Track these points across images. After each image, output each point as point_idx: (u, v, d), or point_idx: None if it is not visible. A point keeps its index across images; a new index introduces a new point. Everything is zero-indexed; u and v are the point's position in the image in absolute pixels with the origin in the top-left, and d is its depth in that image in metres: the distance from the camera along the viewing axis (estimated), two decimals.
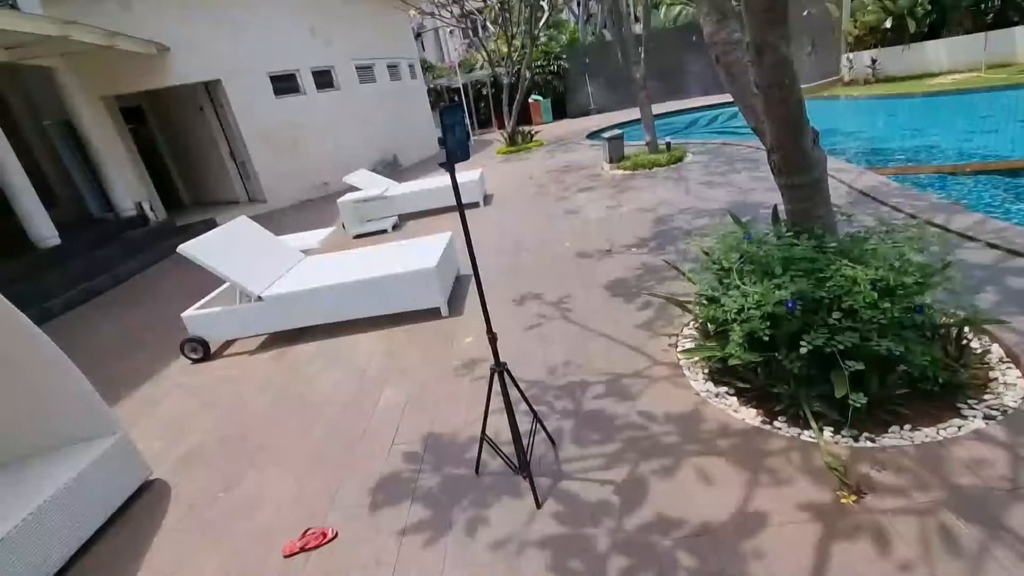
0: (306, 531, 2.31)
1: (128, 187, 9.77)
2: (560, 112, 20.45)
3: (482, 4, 15.17)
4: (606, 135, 9.58)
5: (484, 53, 16.46)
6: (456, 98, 20.82)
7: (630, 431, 2.57)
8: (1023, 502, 1.83)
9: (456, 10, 14.68)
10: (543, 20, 15.30)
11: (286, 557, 2.21)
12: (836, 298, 2.26)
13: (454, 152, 1.75)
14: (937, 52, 14.65)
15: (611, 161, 9.25)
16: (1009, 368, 2.48)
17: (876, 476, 2.04)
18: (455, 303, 4.57)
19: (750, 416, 2.50)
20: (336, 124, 12.82)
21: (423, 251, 4.67)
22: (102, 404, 2.78)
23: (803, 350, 2.21)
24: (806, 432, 2.32)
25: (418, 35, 23.24)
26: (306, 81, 12.19)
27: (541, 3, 14.13)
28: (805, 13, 16.09)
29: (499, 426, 2.65)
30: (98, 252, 7.84)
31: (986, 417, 2.22)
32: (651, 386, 2.89)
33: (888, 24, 14.96)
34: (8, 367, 2.59)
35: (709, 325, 2.74)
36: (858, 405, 2.08)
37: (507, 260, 5.48)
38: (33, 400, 2.68)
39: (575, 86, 20.17)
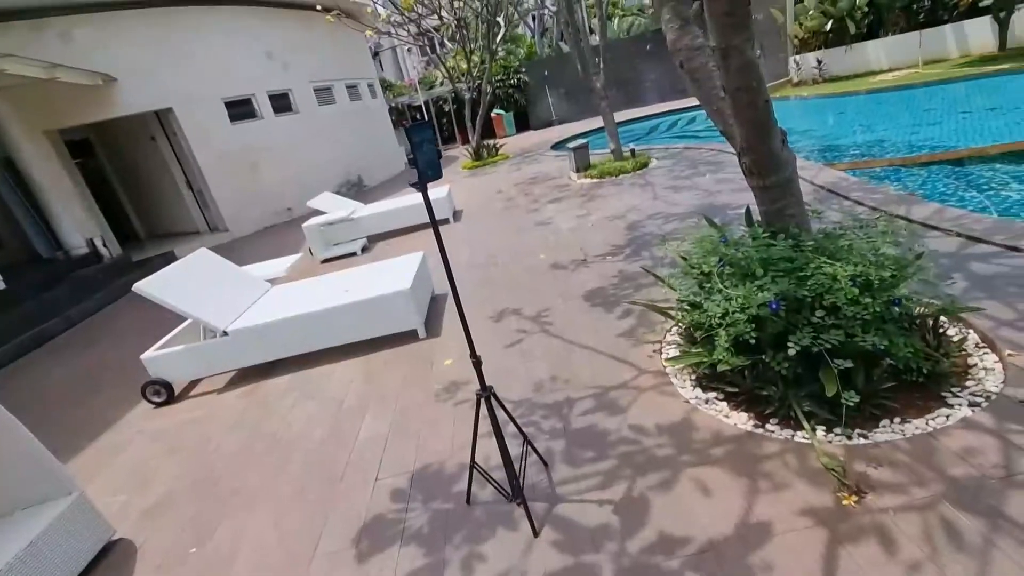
0: None
1: (77, 223, 9.30)
2: (523, 124, 20.61)
3: (439, 22, 15.21)
4: (571, 145, 9.65)
5: (443, 70, 16.48)
6: (418, 116, 20.77)
7: (623, 446, 2.50)
8: (1018, 489, 1.83)
9: (413, 28, 14.68)
10: (500, 36, 15.44)
11: None
12: (818, 296, 2.25)
13: (425, 172, 1.67)
14: (877, 51, 15.38)
15: (578, 170, 9.31)
16: (986, 353, 2.52)
17: (874, 474, 2.02)
18: (432, 324, 4.45)
19: (742, 421, 2.47)
20: (296, 148, 12.58)
21: (396, 272, 4.54)
22: (54, 463, 2.55)
23: (791, 351, 2.19)
24: (799, 433, 2.29)
25: (376, 54, 23.15)
26: (263, 105, 11.93)
27: (497, 19, 14.25)
28: (752, 18, 16.71)
29: (488, 452, 2.55)
30: (48, 294, 7.40)
31: (971, 404, 2.24)
32: (639, 397, 2.83)
33: (829, 27, 15.65)
34: None
35: (694, 331, 2.71)
36: (851, 404, 2.07)
37: (481, 275, 5.39)
38: None
39: (536, 98, 20.39)
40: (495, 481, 2.30)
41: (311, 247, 7.66)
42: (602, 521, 2.11)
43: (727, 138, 2.75)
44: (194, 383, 4.40)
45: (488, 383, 2.16)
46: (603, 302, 4.11)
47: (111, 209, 11.34)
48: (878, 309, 2.17)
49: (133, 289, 3.94)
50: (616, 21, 22.32)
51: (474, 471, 2.31)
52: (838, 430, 2.24)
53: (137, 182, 12.11)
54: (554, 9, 14.13)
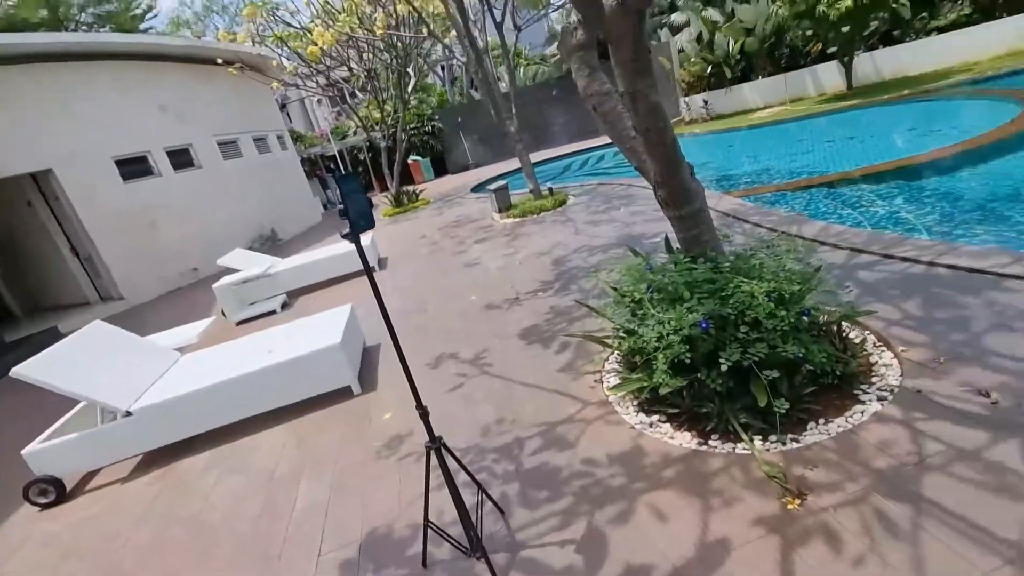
0: None
1: None
2: (441, 169, 20.92)
3: (348, 73, 15.27)
4: (491, 187, 9.89)
5: (356, 119, 16.46)
6: (332, 166, 20.44)
7: (577, 481, 2.48)
8: (931, 472, 2.02)
9: (322, 80, 14.61)
10: (411, 85, 15.74)
11: None
12: (740, 313, 2.42)
13: (357, 222, 1.62)
14: (751, 92, 17.37)
15: (500, 211, 9.52)
16: (883, 351, 2.81)
17: (810, 475, 2.15)
18: (366, 377, 4.26)
19: (686, 440, 2.54)
20: (200, 204, 11.87)
21: (324, 327, 4.33)
22: None
23: (723, 367, 2.32)
24: (739, 445, 2.40)
25: (283, 106, 22.70)
26: (160, 162, 11.22)
27: (407, 70, 14.56)
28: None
29: (440, 506, 2.43)
30: None
31: (879, 399, 2.47)
32: (587, 429, 2.85)
33: (709, 72, 17.53)
34: None
35: (632, 357, 2.79)
36: (782, 411, 2.20)
37: (414, 322, 5.28)
38: None
39: (452, 144, 20.84)
40: (451, 537, 2.18)
41: (224, 309, 7.14)
42: (566, 563, 2.05)
43: (641, 173, 2.94)
44: (91, 475, 3.86)
45: (439, 436, 2.08)
46: (540, 338, 4.15)
47: None
48: (792, 320, 2.36)
49: (11, 374, 3.44)
50: (521, 70, 23.60)
51: (428, 529, 2.18)
52: (773, 437, 2.37)
53: (12, 252, 10.81)
54: (463, 60, 14.69)
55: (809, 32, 15.75)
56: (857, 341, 2.87)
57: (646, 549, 2.02)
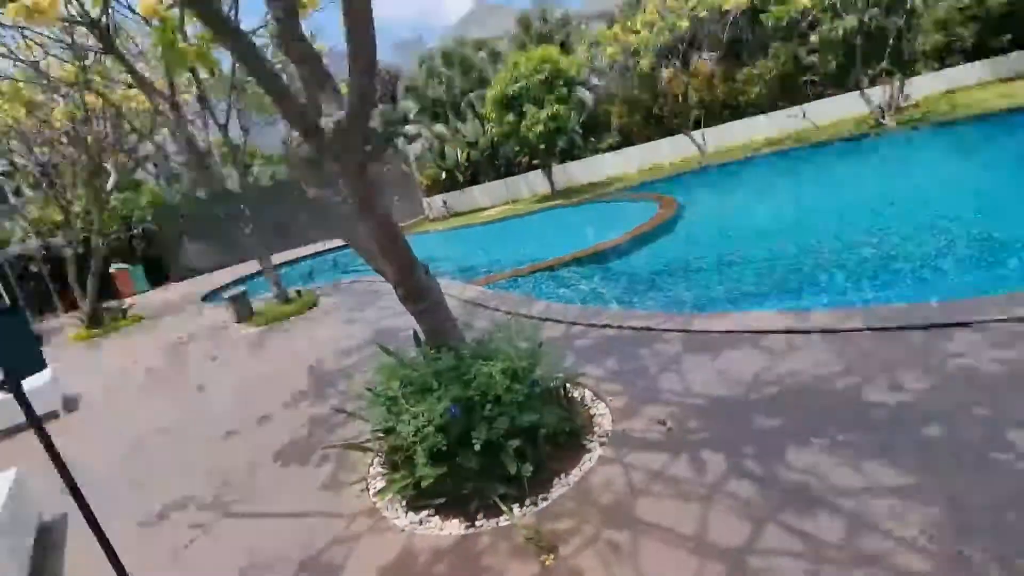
0: None
1: None
2: (160, 278, 17.84)
3: (8, 167, 12.18)
4: (227, 294, 8.88)
5: (23, 223, 13.03)
6: None
7: None
8: (643, 497, 2.51)
9: None
10: (111, 183, 13.36)
11: None
12: (483, 394, 2.68)
13: (16, 369, 1.29)
14: (481, 194, 20.15)
15: (240, 320, 8.55)
16: (598, 403, 3.44)
17: (559, 528, 2.42)
18: (46, 567, 3.14)
19: (455, 528, 2.60)
20: None
21: None
22: None
23: (476, 446, 2.50)
24: (502, 517, 2.57)
25: None
26: None
27: (104, 165, 12.28)
28: (385, 168, 19.66)
29: None
30: None
31: (601, 444, 2.99)
32: (356, 546, 2.66)
33: (444, 176, 19.79)
34: None
35: (393, 456, 2.77)
36: (527, 475, 2.47)
37: (130, 469, 4.20)
38: None
39: (173, 248, 18.14)
40: None
41: None
42: None
43: (381, 274, 3.11)
44: None
45: None
46: (298, 456, 3.77)
47: None
48: (526, 392, 2.73)
49: None
50: (256, 169, 22.50)
51: None
52: (527, 501, 2.61)
53: None
54: (180, 159, 13.18)
55: (517, 148, 19.39)
56: (578, 399, 3.46)
57: None
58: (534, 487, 2.65)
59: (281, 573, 2.60)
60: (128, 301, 13.66)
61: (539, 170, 19.26)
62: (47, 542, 3.40)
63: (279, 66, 6.70)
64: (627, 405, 3.31)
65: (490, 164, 20.43)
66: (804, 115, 16.59)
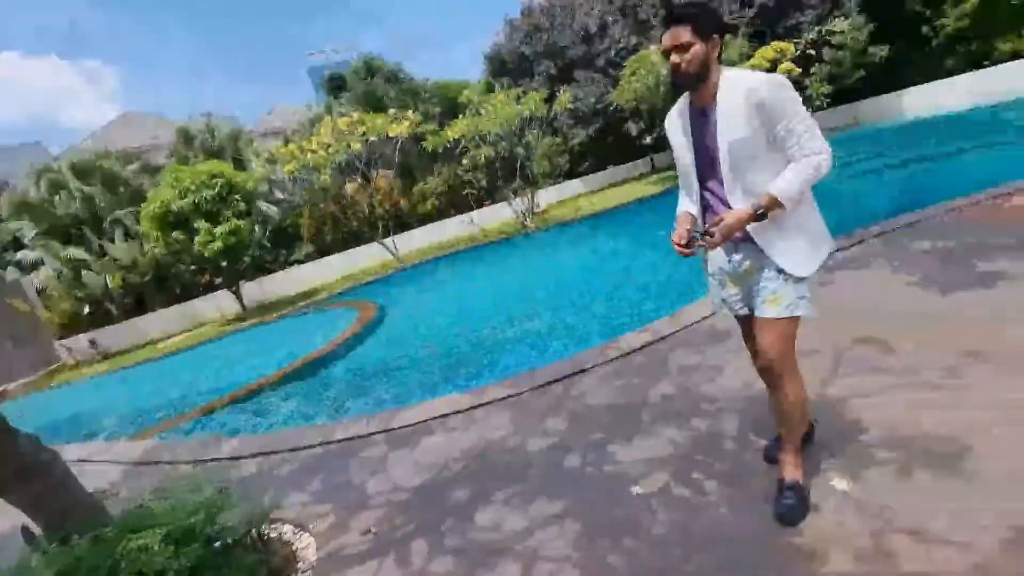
0: None
1: None
2: None
3: None
4: None
5: None
6: None
7: None
8: None
9: None
10: None
11: None
12: (138, 573, 2.17)
13: None
14: (152, 323, 16.80)
15: None
16: (301, 534, 3.18)
17: None
18: None
19: None
20: None
21: None
22: None
23: None
24: None
25: None
26: None
27: None
28: None
29: None
30: None
31: None
32: None
33: (88, 310, 15.83)
34: None
35: None
36: None
37: None
38: None
39: None
40: None
41: None
42: None
43: None
44: None
45: None
46: None
47: None
48: (199, 553, 2.33)
49: None
50: None
51: None
52: None
53: None
54: None
55: (193, 267, 17.16)
56: (277, 537, 3.12)
57: None
58: None
59: None
60: None
61: (225, 289, 17.44)
62: None
63: None
64: (334, 525, 3.16)
65: (159, 288, 17.45)
66: (472, 221, 19.96)
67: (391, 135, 16.23)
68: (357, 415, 5.26)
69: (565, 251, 14.92)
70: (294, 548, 3.03)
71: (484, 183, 21.27)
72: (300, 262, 19.99)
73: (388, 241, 18.02)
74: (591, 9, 26.17)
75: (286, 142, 17.63)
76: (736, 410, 3.14)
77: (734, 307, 2.28)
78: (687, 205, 2.28)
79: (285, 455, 4.44)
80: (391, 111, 17.32)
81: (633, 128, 23.82)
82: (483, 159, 18.15)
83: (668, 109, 2.26)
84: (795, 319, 2.07)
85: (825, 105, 21.75)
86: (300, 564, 2.87)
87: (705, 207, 2.18)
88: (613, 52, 24.47)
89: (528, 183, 19.48)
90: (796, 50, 19.81)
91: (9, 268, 16.72)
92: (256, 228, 16.79)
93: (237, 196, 14.97)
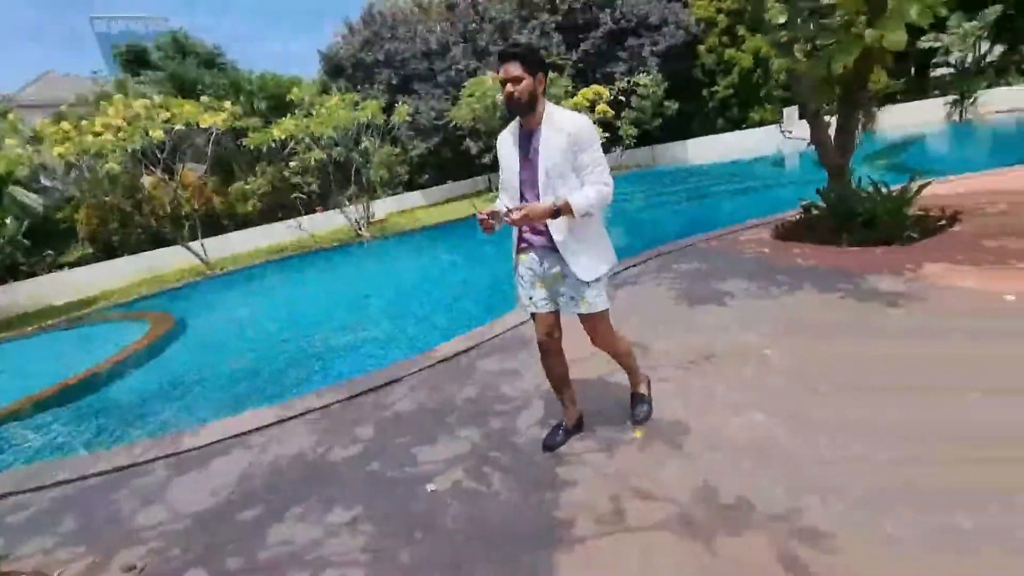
0: None
1: None
2: None
3: None
4: None
5: None
6: None
7: None
8: None
9: None
10: None
11: None
12: None
13: None
14: None
15: None
16: None
17: None
18: None
19: None
20: None
21: None
22: None
23: None
24: None
25: None
26: None
27: None
28: None
29: None
30: None
31: None
32: None
33: None
34: None
35: None
36: None
37: None
38: None
39: None
40: None
41: None
42: None
43: None
44: None
45: None
46: None
47: None
48: None
49: None
50: None
51: None
52: None
53: None
54: None
55: None
56: None
57: None
58: None
59: None
60: None
61: None
62: None
63: None
64: (91, 566, 2.73)
65: None
66: (301, 226, 18.67)
67: (203, 126, 14.41)
68: (133, 441, 4.57)
69: (401, 261, 14.83)
70: None
71: (316, 188, 20.06)
72: (75, 264, 16.50)
73: (196, 244, 15.86)
74: (433, 28, 26.70)
75: (59, 119, 14.45)
76: (528, 408, 3.51)
77: (538, 305, 2.75)
78: (505, 203, 2.69)
79: (29, 495, 3.66)
80: (204, 99, 15.41)
81: (473, 147, 24.75)
82: (314, 162, 17.13)
83: (502, 131, 2.70)
84: (603, 311, 2.71)
85: (632, 144, 25.24)
86: None
87: (523, 201, 2.62)
88: (453, 72, 25.21)
89: (364, 191, 18.94)
90: (611, 95, 22.68)
91: None
92: (8, 221, 13.46)
93: None
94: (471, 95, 19.98)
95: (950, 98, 22.06)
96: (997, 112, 21.51)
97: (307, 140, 16.62)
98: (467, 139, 24.35)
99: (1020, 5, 18.49)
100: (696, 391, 3.31)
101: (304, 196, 19.62)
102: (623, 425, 3.07)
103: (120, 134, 13.11)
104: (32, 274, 16.19)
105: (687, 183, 18.91)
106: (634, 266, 6.43)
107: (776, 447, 2.62)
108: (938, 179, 8.45)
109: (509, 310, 5.59)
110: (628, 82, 23.73)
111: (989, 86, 22.53)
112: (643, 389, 3.16)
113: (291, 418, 4.03)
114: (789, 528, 2.11)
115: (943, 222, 5.96)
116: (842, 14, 5.30)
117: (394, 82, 26.55)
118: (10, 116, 15.74)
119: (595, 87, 22.11)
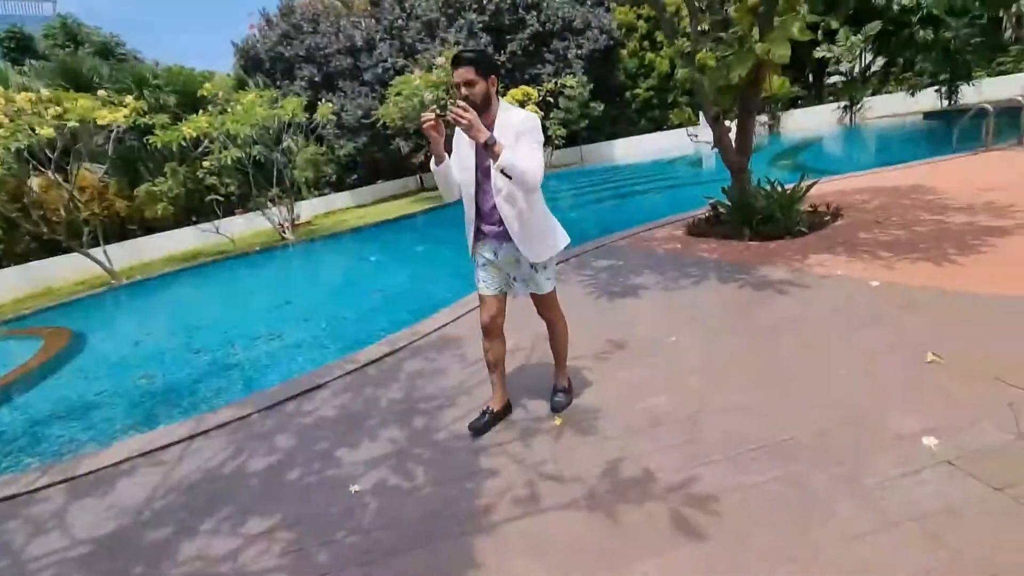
0: None
1: None
2: None
3: None
4: None
5: None
6: None
7: None
8: None
9: None
10: None
11: None
12: None
13: None
14: None
15: None
16: None
17: None
18: None
19: None
20: None
21: None
22: None
23: None
24: None
25: None
26: None
27: None
28: None
29: None
30: None
31: None
32: None
33: None
34: None
35: None
36: None
37: None
38: None
39: None
40: None
41: None
42: None
43: None
44: None
45: None
46: None
47: None
48: None
49: None
50: None
51: None
52: None
53: None
54: None
55: None
56: None
57: None
58: None
59: None
60: None
61: None
62: None
63: None
64: None
65: None
66: (218, 230, 17.61)
67: (101, 123, 13.22)
68: (24, 469, 4.19)
69: (327, 264, 14.38)
70: None
71: (234, 189, 18.96)
72: None
73: (98, 252, 14.53)
74: (358, 23, 25.99)
75: None
76: (452, 406, 3.59)
77: (491, 287, 3.00)
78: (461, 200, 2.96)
79: None
80: (102, 93, 14.15)
81: (404, 146, 24.34)
82: (231, 162, 16.18)
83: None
84: (551, 291, 3.05)
85: (561, 144, 25.84)
86: None
87: (478, 195, 2.87)
88: (380, 69, 24.68)
89: (288, 192, 18.16)
90: (539, 96, 23.09)
91: None
92: None
93: None
94: (398, 93, 19.63)
95: (841, 104, 24.37)
96: (879, 117, 24.08)
97: (222, 138, 15.69)
98: (396, 138, 23.93)
99: (895, 22, 20.74)
100: (608, 378, 3.53)
101: (221, 198, 18.43)
102: (544, 414, 3.23)
103: (0, 131, 11.78)
104: None
105: (611, 182, 19.65)
106: (557, 264, 6.66)
107: (676, 425, 2.87)
108: (829, 178, 9.39)
109: (436, 311, 5.64)
110: (555, 83, 24.26)
111: (873, 94, 25.15)
112: (564, 381, 3.37)
113: (205, 432, 3.87)
114: (684, 495, 2.34)
115: (828, 217, 6.65)
116: (735, 30, 5.79)
117: (317, 79, 25.61)
118: None
119: (524, 88, 22.42)
